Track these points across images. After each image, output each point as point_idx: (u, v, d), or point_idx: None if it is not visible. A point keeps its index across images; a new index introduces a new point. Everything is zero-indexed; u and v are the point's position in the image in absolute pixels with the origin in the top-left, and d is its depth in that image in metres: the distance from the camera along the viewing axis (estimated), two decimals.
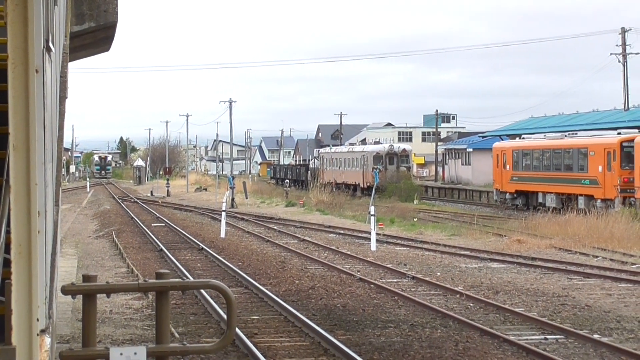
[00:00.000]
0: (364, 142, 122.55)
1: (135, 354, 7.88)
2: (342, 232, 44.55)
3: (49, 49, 7.89)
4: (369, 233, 37.21)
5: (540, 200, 59.64)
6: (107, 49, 20.24)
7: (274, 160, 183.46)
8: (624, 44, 76.86)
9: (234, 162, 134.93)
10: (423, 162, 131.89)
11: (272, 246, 37.62)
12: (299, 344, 17.12)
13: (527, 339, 17.49)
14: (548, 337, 17.92)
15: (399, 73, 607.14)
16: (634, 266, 29.47)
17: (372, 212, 37.88)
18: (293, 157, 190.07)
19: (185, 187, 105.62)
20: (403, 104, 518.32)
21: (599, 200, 52.02)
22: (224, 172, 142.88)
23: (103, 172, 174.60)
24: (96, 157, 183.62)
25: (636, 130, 53.68)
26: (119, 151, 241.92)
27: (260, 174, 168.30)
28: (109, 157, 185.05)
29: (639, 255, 32.25)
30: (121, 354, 7.85)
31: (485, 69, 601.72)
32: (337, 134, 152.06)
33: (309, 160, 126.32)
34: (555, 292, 23.95)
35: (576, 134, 59.08)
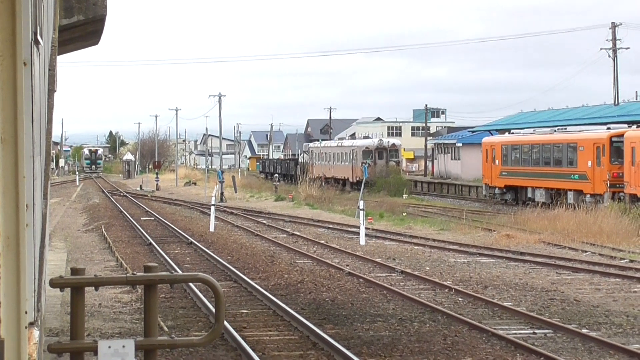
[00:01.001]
0: (353, 136, 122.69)
1: (123, 347, 7.88)
2: (331, 226, 44.56)
3: (37, 42, 7.87)
4: (358, 227, 37.22)
5: (529, 195, 59.71)
6: (96, 43, 20.18)
7: (263, 155, 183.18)
8: (614, 39, 76.94)
9: (223, 156, 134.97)
10: (412, 156, 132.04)
11: (261, 240, 37.61)
12: (288, 338, 17.13)
13: (515, 334, 17.52)
14: (537, 331, 17.96)
15: (388, 68, 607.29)
16: (622, 261, 29.54)
17: (361, 207, 37.89)
18: (282, 151, 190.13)
19: (175, 181, 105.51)
20: (392, 98, 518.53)
21: (588, 195, 52.13)
22: (213, 166, 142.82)
23: (93, 166, 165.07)
24: (86, 151, 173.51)
25: (626, 125, 53.75)
26: (108, 145, 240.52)
27: (250, 169, 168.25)
28: (100, 151, 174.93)
29: (627, 250, 32.32)
30: (109, 347, 7.85)
31: (475, 63, 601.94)
32: (327, 129, 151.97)
33: (298, 154, 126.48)
34: (544, 287, 24.00)
35: (566, 129, 59.13)
